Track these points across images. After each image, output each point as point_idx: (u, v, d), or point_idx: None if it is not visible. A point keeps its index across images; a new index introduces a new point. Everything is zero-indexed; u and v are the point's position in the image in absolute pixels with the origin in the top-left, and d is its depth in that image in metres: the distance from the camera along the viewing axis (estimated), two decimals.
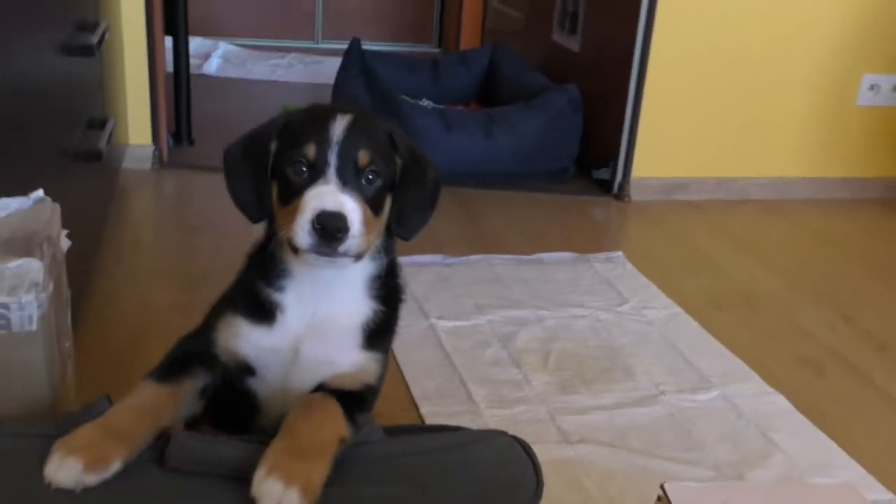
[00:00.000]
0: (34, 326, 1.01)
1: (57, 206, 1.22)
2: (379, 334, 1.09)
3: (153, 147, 2.90)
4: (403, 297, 1.14)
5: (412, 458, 0.91)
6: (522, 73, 3.55)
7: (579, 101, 3.11)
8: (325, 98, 3.60)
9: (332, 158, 0.99)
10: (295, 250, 0.98)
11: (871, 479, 1.55)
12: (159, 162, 2.92)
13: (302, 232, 0.95)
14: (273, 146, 1.04)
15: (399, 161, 1.06)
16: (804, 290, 2.39)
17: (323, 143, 0.99)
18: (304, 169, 0.99)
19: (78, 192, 1.84)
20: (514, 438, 0.97)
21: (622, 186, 3.01)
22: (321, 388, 1.04)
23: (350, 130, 1.00)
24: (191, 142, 3.14)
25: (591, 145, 3.14)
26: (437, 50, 5.30)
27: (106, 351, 1.73)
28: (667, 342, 2.00)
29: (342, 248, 0.95)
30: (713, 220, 2.89)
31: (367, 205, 0.99)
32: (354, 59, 3.53)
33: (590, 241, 2.59)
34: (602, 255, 2.46)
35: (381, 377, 1.10)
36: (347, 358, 1.06)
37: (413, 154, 1.08)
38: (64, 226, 1.23)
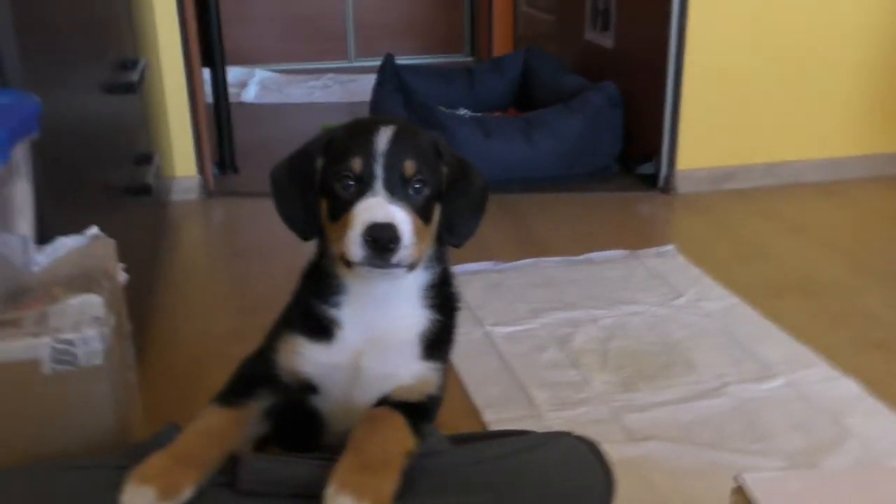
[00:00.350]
0: (99, 361, 1.03)
1: (112, 242, 1.25)
2: (437, 344, 1.08)
3: (199, 177, 2.95)
4: (459, 305, 1.13)
5: (481, 465, 0.90)
6: (558, 74, 3.53)
7: (618, 98, 3.09)
8: (364, 115, 3.62)
9: (379, 170, 0.98)
10: (348, 264, 0.98)
11: None
12: (206, 192, 2.96)
13: (354, 245, 0.95)
14: (319, 163, 1.05)
15: (445, 169, 1.06)
16: (867, 272, 2.32)
17: (368, 156, 0.99)
18: (352, 183, 0.99)
19: (130, 227, 1.88)
20: (581, 438, 0.96)
21: (668, 179, 2.97)
22: (384, 401, 1.04)
23: (394, 141, 1.00)
24: (235, 169, 3.19)
25: (633, 141, 3.11)
26: (469, 59, 5.31)
27: (168, 381, 1.75)
28: (726, 333, 1.96)
29: (395, 259, 0.95)
30: (765, 206, 2.83)
31: (416, 214, 0.99)
32: (389, 74, 3.56)
33: (639, 237, 2.56)
34: (653, 251, 2.43)
35: (442, 387, 1.09)
36: (408, 370, 1.06)
37: (458, 162, 1.08)
38: (119, 260, 1.26)
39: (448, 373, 1.14)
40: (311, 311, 1.08)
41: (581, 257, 2.39)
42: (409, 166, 0.99)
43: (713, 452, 1.51)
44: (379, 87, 3.55)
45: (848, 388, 1.73)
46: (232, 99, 3.35)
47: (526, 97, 3.67)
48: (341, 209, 0.99)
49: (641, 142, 3.07)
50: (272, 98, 4.47)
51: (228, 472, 0.91)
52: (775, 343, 1.91)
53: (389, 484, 0.87)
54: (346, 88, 4.63)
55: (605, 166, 3.11)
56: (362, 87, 4.29)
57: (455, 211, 1.06)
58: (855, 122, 3.04)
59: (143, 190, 1.98)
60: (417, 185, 1.00)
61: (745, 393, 1.71)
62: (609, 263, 2.36)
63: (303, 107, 4.32)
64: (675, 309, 2.08)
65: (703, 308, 2.09)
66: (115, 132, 1.91)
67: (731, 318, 2.03)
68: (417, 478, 0.89)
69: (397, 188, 0.99)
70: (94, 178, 1.63)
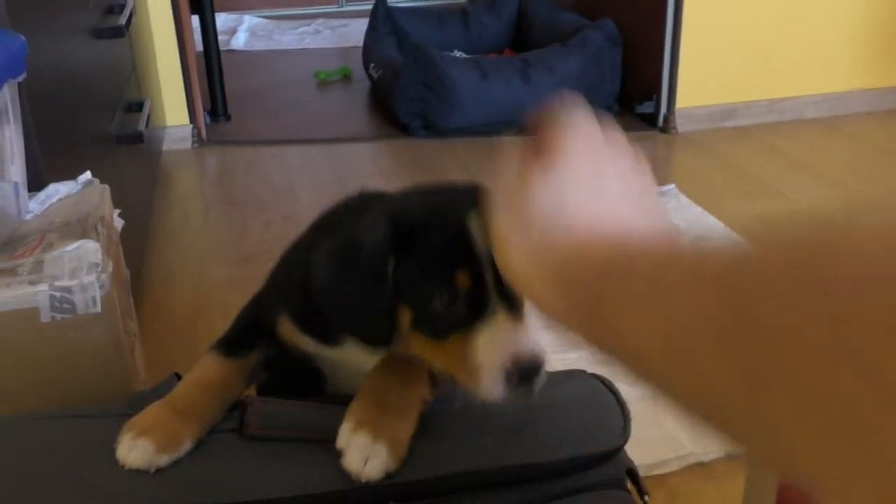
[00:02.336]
0: (98, 308, 1.00)
1: (106, 188, 1.21)
2: None
3: (191, 126, 2.90)
4: None
5: (496, 406, 0.89)
6: (554, 13, 3.46)
7: (617, 36, 3.03)
8: (356, 61, 3.55)
9: (490, 280, 0.74)
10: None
11: None
12: (199, 140, 2.92)
13: (492, 381, 0.75)
14: (391, 266, 0.79)
15: None
16: None
17: (475, 265, 0.75)
18: (458, 300, 0.76)
19: (123, 175, 1.84)
20: (595, 376, 0.94)
21: (667, 118, 2.93)
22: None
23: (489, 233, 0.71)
24: (227, 118, 3.14)
25: (632, 80, 3.05)
26: (464, 0, 5.20)
27: (167, 329, 1.74)
28: None
29: (536, 388, 0.76)
30: (767, 143, 2.80)
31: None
32: (382, 18, 3.49)
33: None
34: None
35: None
36: None
37: None
38: (115, 208, 1.23)
39: None
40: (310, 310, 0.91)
41: None
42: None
43: None
44: (371, 31, 3.48)
45: None
46: (221, 46, 3.28)
47: (522, 38, 3.60)
48: (444, 330, 0.78)
49: (640, 80, 3.01)
50: (262, 45, 4.38)
51: (234, 419, 0.89)
52: None
53: (407, 427, 0.84)
54: (337, 33, 4.55)
55: (605, 106, 3.06)
56: (354, 32, 4.21)
57: None
58: (857, 57, 2.99)
59: (135, 138, 1.93)
60: None
61: None
62: None
63: (294, 53, 4.24)
64: None
65: None
66: (104, 78, 1.86)
67: None
68: (429, 421, 0.88)
69: (513, 298, 0.75)
70: (85, 124, 1.59)
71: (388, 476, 0.82)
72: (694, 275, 0.40)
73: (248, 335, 0.99)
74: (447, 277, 0.76)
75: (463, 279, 0.75)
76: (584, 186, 0.59)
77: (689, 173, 2.62)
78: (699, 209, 2.27)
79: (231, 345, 0.98)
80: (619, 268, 0.49)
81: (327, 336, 0.90)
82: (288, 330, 0.94)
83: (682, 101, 2.90)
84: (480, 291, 0.75)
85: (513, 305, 0.75)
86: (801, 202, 2.35)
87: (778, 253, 0.36)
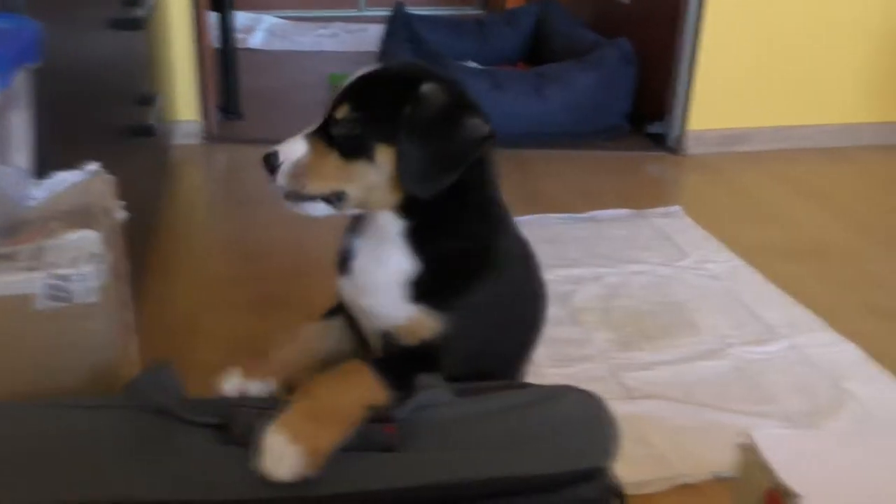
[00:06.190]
0: (95, 298, 1.01)
1: (111, 178, 1.22)
2: (435, 291, 1.05)
3: (202, 122, 2.91)
4: (487, 264, 1.09)
5: (486, 418, 0.89)
6: (571, 29, 3.47)
7: (632, 56, 3.03)
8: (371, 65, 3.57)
9: (328, 109, 1.05)
10: None
11: None
12: (209, 137, 2.93)
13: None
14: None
15: (408, 110, 1.00)
16: (875, 238, 2.30)
17: (332, 97, 1.06)
18: None
19: (131, 168, 1.85)
20: (585, 392, 0.94)
21: (678, 140, 2.93)
22: (387, 341, 1.08)
23: (353, 83, 1.06)
24: (239, 115, 3.15)
25: (645, 100, 3.06)
26: (481, 12, 5.22)
27: (167, 324, 1.74)
28: (730, 295, 1.94)
29: (278, 182, 1.03)
30: (775, 170, 2.80)
31: (334, 151, 1.03)
32: (399, 24, 3.49)
33: (647, 197, 2.53)
34: (659, 210, 2.40)
35: (448, 336, 1.05)
36: (398, 311, 1.06)
37: (441, 107, 1.02)
38: (120, 200, 1.23)
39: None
40: (342, 247, 1.15)
41: (586, 214, 2.36)
42: (341, 108, 1.03)
43: (713, 412, 1.50)
44: (388, 37, 3.49)
45: (849, 353, 1.72)
46: (238, 44, 3.29)
47: (537, 51, 3.61)
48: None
49: (653, 101, 3.02)
50: (279, 45, 4.40)
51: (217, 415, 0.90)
52: (779, 306, 1.90)
53: (330, 436, 0.87)
54: (355, 37, 4.56)
55: (615, 124, 3.06)
56: (371, 37, 4.21)
57: (409, 156, 1.00)
58: (867, 90, 3.00)
59: (145, 131, 1.94)
60: (346, 125, 1.03)
61: (748, 355, 1.69)
62: (615, 222, 2.34)
63: (310, 55, 4.26)
64: (680, 269, 2.06)
65: (708, 270, 2.07)
66: (118, 69, 1.87)
67: (736, 281, 2.01)
68: (419, 431, 0.88)
69: (326, 126, 1.04)
70: (95, 114, 1.60)
71: (370, 485, 0.83)
72: None
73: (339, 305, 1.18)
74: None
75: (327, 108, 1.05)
76: None
77: (696, 195, 2.62)
78: (704, 232, 2.27)
79: (326, 313, 1.21)
80: None
81: (343, 261, 1.12)
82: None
83: (693, 124, 2.90)
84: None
85: (316, 132, 1.04)
86: (806, 229, 2.34)
87: None
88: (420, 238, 1.06)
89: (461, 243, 1.08)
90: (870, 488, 0.85)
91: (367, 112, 1.02)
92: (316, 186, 1.04)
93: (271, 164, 1.03)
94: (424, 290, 1.05)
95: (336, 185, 1.04)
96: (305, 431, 0.86)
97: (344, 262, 1.13)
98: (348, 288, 1.13)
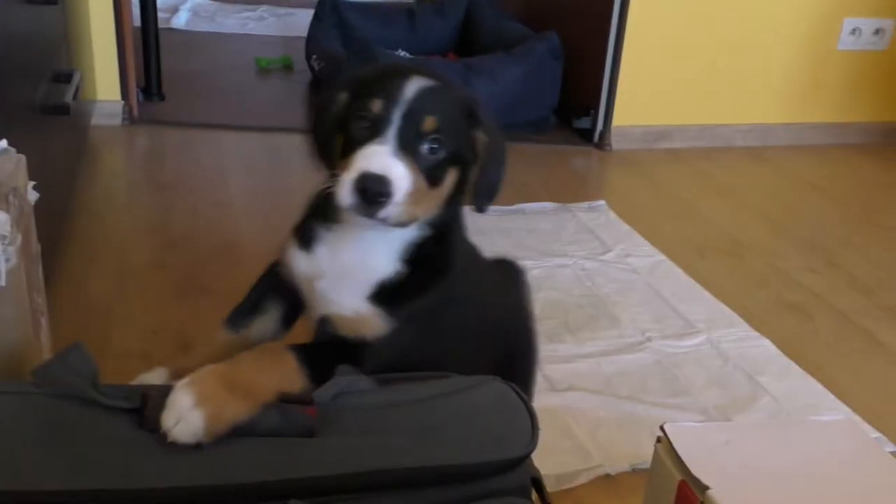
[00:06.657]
0: (2, 281, 0.97)
1: (22, 158, 1.17)
2: (395, 296, 1.04)
3: (123, 103, 2.82)
4: (445, 274, 1.09)
5: (407, 406, 0.88)
6: (501, 21, 3.48)
7: (559, 50, 3.06)
8: (298, 51, 3.52)
9: (396, 117, 0.95)
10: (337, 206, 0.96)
11: (857, 419, 1.55)
12: (129, 118, 2.84)
13: (344, 190, 0.93)
14: (342, 98, 1.02)
15: (482, 137, 1.03)
16: (788, 237, 2.38)
17: (390, 101, 0.95)
18: (367, 125, 0.96)
19: (45, 147, 1.78)
20: (507, 383, 0.95)
21: (603, 135, 2.97)
22: (323, 326, 1.06)
23: (423, 93, 0.97)
24: (161, 97, 3.06)
25: (572, 94, 3.09)
26: (412, 1, 5.19)
27: (82, 309, 1.69)
28: (651, 289, 1.98)
29: (382, 214, 0.93)
30: (696, 167, 2.87)
31: (421, 175, 0.96)
32: (328, 10, 3.46)
33: (572, 191, 2.56)
34: (584, 205, 2.43)
35: (385, 340, 1.04)
36: (351, 303, 1.04)
37: (497, 131, 1.05)
38: (32, 180, 1.18)
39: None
40: (307, 224, 1.09)
41: (513, 207, 2.38)
42: (430, 122, 0.96)
43: (632, 404, 1.53)
44: (316, 23, 3.45)
45: (764, 347, 1.77)
46: (161, 24, 3.20)
47: (467, 43, 3.61)
48: (351, 149, 0.96)
49: (580, 96, 3.05)
50: (204, 26, 4.29)
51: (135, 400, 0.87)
52: (698, 301, 1.94)
53: (237, 409, 0.85)
54: (282, 21, 4.49)
55: (543, 118, 3.09)
56: (299, 22, 4.16)
57: (489, 180, 1.04)
58: (785, 92, 3.10)
59: (61, 109, 1.87)
60: (434, 145, 0.97)
61: (667, 348, 1.73)
62: (540, 215, 2.36)
63: (235, 37, 4.17)
64: (603, 263, 2.09)
65: (630, 264, 2.10)
66: (32, 46, 1.79)
67: (657, 276, 2.06)
68: (342, 416, 0.87)
69: (410, 142, 0.95)
70: (7, 92, 1.53)
71: (291, 472, 0.81)
72: None
73: (256, 301, 1.15)
74: (366, 104, 0.96)
75: (376, 106, 0.95)
76: None
77: (620, 190, 2.66)
78: (627, 227, 2.31)
79: (238, 316, 1.14)
80: None
81: (306, 239, 1.07)
82: (285, 249, 1.10)
83: (618, 120, 2.95)
84: (385, 125, 0.94)
85: (405, 147, 0.94)
86: (723, 228, 2.41)
87: None
88: (414, 249, 1.05)
89: (434, 252, 1.08)
90: (777, 476, 0.87)
91: (449, 132, 0.98)
92: (410, 214, 0.97)
93: (381, 192, 0.92)
94: (388, 292, 1.04)
95: (425, 211, 1.00)
96: (214, 397, 0.84)
97: (307, 240, 1.08)
98: (304, 264, 1.08)
